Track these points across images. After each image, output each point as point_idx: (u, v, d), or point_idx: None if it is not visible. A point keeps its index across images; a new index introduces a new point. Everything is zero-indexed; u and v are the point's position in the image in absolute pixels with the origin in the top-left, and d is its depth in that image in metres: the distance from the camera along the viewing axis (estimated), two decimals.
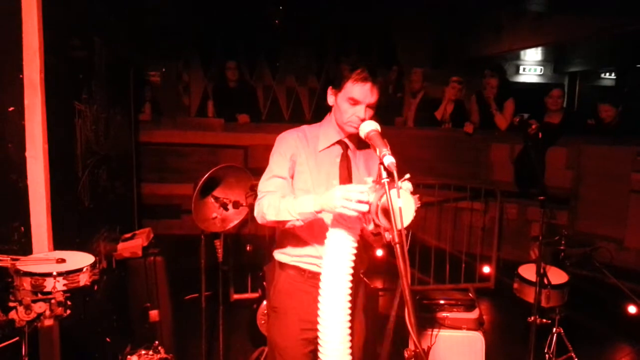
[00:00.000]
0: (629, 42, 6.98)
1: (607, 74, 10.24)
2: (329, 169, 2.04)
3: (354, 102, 1.93)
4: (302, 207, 1.83)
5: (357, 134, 1.89)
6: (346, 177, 2.04)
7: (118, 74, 4.22)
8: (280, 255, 2.16)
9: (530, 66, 10.02)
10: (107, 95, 3.79)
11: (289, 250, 2.11)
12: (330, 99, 2.02)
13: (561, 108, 5.07)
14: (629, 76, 8.16)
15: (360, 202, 1.63)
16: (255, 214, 1.98)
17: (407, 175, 1.62)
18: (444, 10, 6.91)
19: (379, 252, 4.55)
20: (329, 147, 2.05)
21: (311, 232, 2.01)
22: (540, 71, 10.11)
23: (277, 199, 1.90)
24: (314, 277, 1.99)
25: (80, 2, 3.25)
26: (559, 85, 5.96)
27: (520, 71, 10.04)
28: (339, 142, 2.05)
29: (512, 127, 5.26)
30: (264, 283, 3.44)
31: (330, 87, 2.01)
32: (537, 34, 6.80)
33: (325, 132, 2.06)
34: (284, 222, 1.89)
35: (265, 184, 2.01)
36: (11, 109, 2.58)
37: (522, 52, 9.13)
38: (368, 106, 1.93)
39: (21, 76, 2.60)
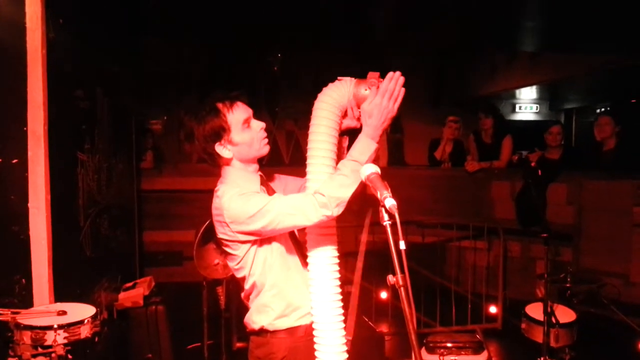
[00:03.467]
0: (623, 77, 7.10)
1: (603, 109, 10.38)
2: None
3: (246, 121, 1.88)
4: (364, 154, 1.75)
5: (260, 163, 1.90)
6: None
7: (120, 123, 4.29)
8: (274, 322, 1.91)
9: (526, 104, 10.17)
10: (109, 145, 3.84)
11: (280, 310, 1.90)
12: (226, 151, 1.86)
13: (560, 144, 5.11)
14: (624, 111, 8.27)
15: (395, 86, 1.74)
16: (329, 211, 1.73)
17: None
18: (439, 52, 7.07)
19: (384, 295, 4.49)
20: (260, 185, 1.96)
21: (293, 279, 1.91)
22: (537, 109, 10.24)
23: (334, 178, 1.76)
24: (309, 330, 1.88)
25: (82, 54, 3.34)
26: (557, 122, 6.03)
27: (517, 109, 10.17)
28: (261, 178, 1.98)
29: (512, 165, 5.29)
30: None
31: (217, 142, 1.85)
32: (532, 73, 6.93)
33: (246, 182, 1.90)
34: (355, 188, 1.74)
35: (291, 197, 1.83)
36: (15, 160, 2.62)
37: (517, 91, 9.28)
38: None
39: (25, 129, 2.65)
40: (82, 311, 2.14)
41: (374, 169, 1.71)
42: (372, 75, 1.78)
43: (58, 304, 2.29)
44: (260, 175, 1.97)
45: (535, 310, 3.23)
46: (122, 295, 3.43)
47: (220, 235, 1.89)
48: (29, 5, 2.68)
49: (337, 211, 1.74)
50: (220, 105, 1.85)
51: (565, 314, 3.18)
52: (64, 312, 2.05)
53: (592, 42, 5.54)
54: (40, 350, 1.93)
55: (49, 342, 1.93)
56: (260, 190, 1.92)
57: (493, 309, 4.65)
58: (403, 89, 1.76)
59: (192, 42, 6.54)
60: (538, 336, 3.07)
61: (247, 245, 1.86)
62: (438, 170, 5.79)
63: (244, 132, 1.86)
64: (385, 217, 1.54)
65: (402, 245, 1.49)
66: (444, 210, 5.46)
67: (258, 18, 5.43)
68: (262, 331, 1.92)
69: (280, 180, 2.11)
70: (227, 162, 1.89)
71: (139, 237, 4.95)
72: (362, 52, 6.58)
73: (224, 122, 1.83)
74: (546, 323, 2.91)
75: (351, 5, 5.10)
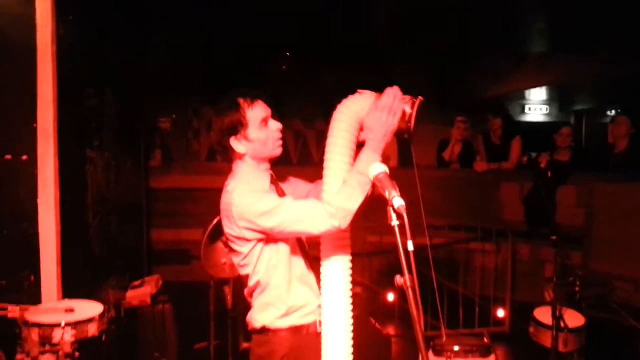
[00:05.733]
0: (633, 80, 7.03)
1: (613, 111, 10.29)
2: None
3: (265, 121, 1.90)
4: (365, 163, 1.73)
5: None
6: None
7: (129, 121, 4.31)
8: (276, 322, 1.90)
9: (536, 105, 10.10)
10: (118, 142, 3.86)
11: (291, 301, 1.90)
12: (241, 147, 1.89)
13: (570, 146, 5.07)
14: (635, 114, 8.18)
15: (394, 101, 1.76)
16: (337, 222, 1.73)
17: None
18: (446, 53, 7.03)
19: (391, 297, 4.47)
20: (271, 182, 1.97)
21: (311, 271, 1.96)
22: (547, 110, 10.17)
23: (342, 190, 1.76)
24: (312, 329, 1.91)
25: (92, 53, 3.35)
26: (567, 123, 5.98)
27: (526, 111, 10.10)
28: (272, 177, 1.99)
29: (522, 166, 5.25)
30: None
31: (233, 136, 1.88)
32: (541, 75, 6.89)
33: (257, 177, 1.92)
34: (362, 201, 1.74)
35: (301, 202, 1.83)
36: (24, 157, 2.63)
37: (527, 92, 9.22)
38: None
39: (35, 126, 2.66)
40: (90, 309, 2.14)
41: (383, 168, 1.70)
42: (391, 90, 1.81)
43: (66, 301, 2.30)
44: (271, 175, 1.98)
45: (543, 314, 3.20)
46: (129, 294, 3.44)
47: (226, 230, 1.91)
48: (39, 2, 2.69)
49: (344, 223, 1.75)
50: (241, 100, 1.89)
51: (574, 319, 3.15)
52: (71, 310, 2.06)
53: (600, 45, 5.50)
54: (48, 347, 1.93)
55: (56, 340, 1.94)
56: (271, 190, 1.93)
57: (501, 313, 4.62)
58: (407, 104, 1.79)
59: (198, 41, 6.55)
60: (546, 340, 3.04)
61: (253, 243, 1.86)
62: (447, 171, 5.76)
63: (260, 130, 1.89)
64: (394, 217, 1.53)
65: (411, 246, 1.48)
66: (453, 211, 5.43)
67: (264, 21, 5.44)
68: (264, 330, 1.92)
69: (291, 183, 2.12)
70: (240, 157, 1.92)
71: (147, 235, 4.96)
72: (367, 56, 6.57)
73: (242, 117, 1.87)
74: (555, 327, 2.88)
75: (354, 8, 5.10)
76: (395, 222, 1.51)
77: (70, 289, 2.58)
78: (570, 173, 4.94)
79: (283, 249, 1.89)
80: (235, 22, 5.61)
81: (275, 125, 1.94)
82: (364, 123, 1.82)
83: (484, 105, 6.52)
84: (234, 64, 6.84)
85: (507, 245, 4.88)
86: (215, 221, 3.00)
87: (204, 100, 7.11)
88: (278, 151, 1.96)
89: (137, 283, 3.57)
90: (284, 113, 7.33)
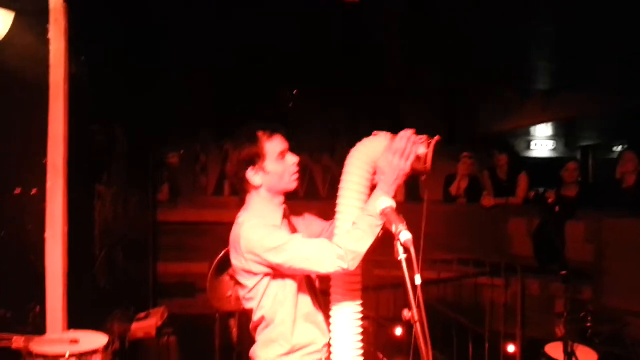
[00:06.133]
0: (638, 116, 7.07)
1: (620, 146, 10.30)
2: None
3: (282, 154, 1.92)
4: (375, 205, 1.70)
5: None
6: None
7: (137, 156, 4.36)
8: (281, 358, 1.88)
9: (542, 141, 10.12)
10: (127, 177, 3.90)
11: (295, 340, 1.88)
12: (257, 178, 1.90)
13: (577, 181, 5.06)
14: None
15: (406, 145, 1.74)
16: (345, 264, 1.72)
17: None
18: (452, 89, 7.12)
19: (399, 331, 4.40)
20: (282, 220, 1.95)
21: (319, 309, 1.93)
22: (553, 146, 10.19)
23: (352, 232, 1.75)
24: None
25: (103, 90, 3.43)
26: (573, 158, 5.98)
27: (532, 146, 10.13)
28: (285, 212, 1.99)
29: (529, 202, 5.24)
30: None
31: (250, 167, 1.89)
32: (545, 111, 6.93)
33: (269, 213, 1.92)
34: (369, 247, 1.73)
35: (311, 241, 1.82)
36: (34, 191, 2.66)
37: (532, 128, 9.26)
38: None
39: (45, 161, 2.70)
40: (94, 340, 2.12)
41: (390, 203, 1.71)
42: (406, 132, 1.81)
43: (71, 332, 2.29)
44: (285, 209, 1.99)
45: (555, 350, 3.13)
46: (135, 326, 3.41)
47: (234, 262, 1.91)
48: (53, 42, 2.78)
49: (352, 265, 1.74)
50: (260, 132, 1.91)
51: (586, 355, 3.08)
52: (76, 341, 2.04)
53: (605, 80, 5.55)
54: None
55: None
56: (282, 225, 1.93)
57: (511, 348, 4.52)
58: (422, 147, 1.78)
59: (207, 77, 6.67)
60: None
61: (259, 277, 1.85)
62: (454, 206, 5.75)
63: (277, 162, 1.91)
64: (401, 251, 1.53)
65: (418, 280, 1.48)
66: (460, 246, 5.39)
67: (273, 54, 5.55)
68: None
69: (305, 219, 2.13)
70: (256, 189, 1.93)
71: (153, 268, 4.95)
72: (375, 91, 6.66)
73: (260, 149, 1.89)
74: None
75: (364, 43, 5.19)
76: (402, 256, 1.52)
77: (76, 320, 2.57)
78: (577, 208, 4.91)
79: (290, 285, 1.87)
80: (243, 56, 5.73)
81: (292, 159, 1.94)
82: (377, 165, 1.82)
83: (490, 140, 6.55)
84: (242, 100, 6.95)
85: (516, 279, 4.82)
86: (222, 254, 3.00)
87: (212, 135, 7.21)
88: (293, 185, 1.96)
89: (142, 315, 3.55)
90: (291, 148, 7.40)
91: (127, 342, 3.37)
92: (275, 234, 1.81)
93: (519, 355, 4.48)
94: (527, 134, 9.82)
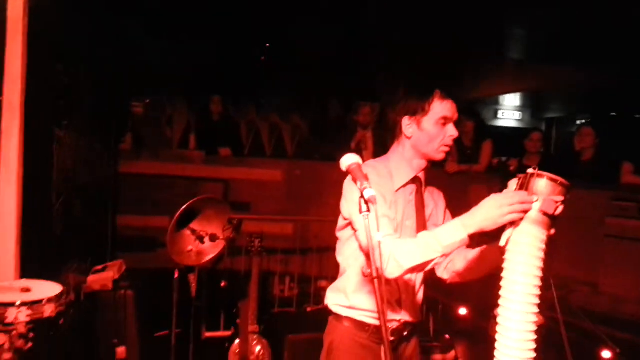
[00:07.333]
0: (604, 91, 7.23)
1: (583, 121, 10.56)
2: (404, 209, 1.92)
3: (445, 121, 1.86)
4: (447, 238, 1.59)
5: (427, 168, 1.92)
6: (422, 216, 1.95)
7: (101, 103, 4.21)
8: (338, 307, 1.97)
9: (509, 111, 10.28)
10: (89, 123, 3.76)
11: (354, 301, 1.92)
12: (410, 129, 1.88)
13: (539, 151, 5.16)
14: (604, 124, 8.43)
15: (523, 201, 1.52)
16: (385, 267, 1.62)
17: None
18: (426, 55, 7.09)
19: (463, 311, 4.46)
20: (404, 185, 1.92)
21: (388, 286, 1.87)
22: (519, 116, 10.36)
23: (406, 243, 1.69)
24: (379, 331, 1.83)
25: (66, 28, 3.25)
26: (538, 129, 6.09)
27: (499, 115, 10.28)
28: (414, 180, 1.94)
29: (491, 169, 5.33)
30: (238, 321, 3.36)
31: (408, 116, 1.87)
32: (517, 81, 7.01)
33: (398, 169, 1.91)
34: (425, 265, 1.65)
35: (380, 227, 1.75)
36: None
37: (500, 98, 9.39)
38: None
39: (0, 99, 2.57)
40: (47, 289, 2.08)
41: (355, 159, 1.70)
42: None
43: (23, 280, 2.23)
44: (420, 178, 1.96)
45: None
46: (91, 278, 3.36)
47: None
48: None
49: (390, 273, 1.65)
50: (437, 91, 1.87)
51: None
52: (28, 289, 2.00)
53: (575, 54, 5.63)
54: (0, 327, 1.87)
55: (10, 320, 1.87)
56: (401, 192, 1.91)
57: (463, 311, 4.69)
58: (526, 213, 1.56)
59: (179, 29, 6.46)
60: None
61: (346, 222, 1.90)
62: None
63: (436, 125, 1.86)
64: (364, 207, 1.53)
65: (380, 237, 1.50)
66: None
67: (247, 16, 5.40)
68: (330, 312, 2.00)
69: (439, 206, 2.10)
70: (403, 139, 1.92)
71: (112, 219, 4.86)
72: (347, 57, 6.57)
73: (428, 105, 1.85)
74: None
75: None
76: (364, 213, 1.52)
77: (29, 269, 2.51)
78: None
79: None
80: (218, 12, 5.55)
81: (452, 131, 1.87)
82: (489, 197, 1.61)
83: (459, 107, 6.59)
84: (213, 52, 6.77)
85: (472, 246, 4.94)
86: (184, 207, 2.96)
87: (181, 86, 7.02)
88: (439, 155, 1.89)
89: (99, 267, 3.50)
90: (261, 105, 7.29)
91: (83, 294, 3.33)
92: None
93: (470, 318, 4.66)
94: (496, 102, 9.95)
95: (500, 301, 1.61)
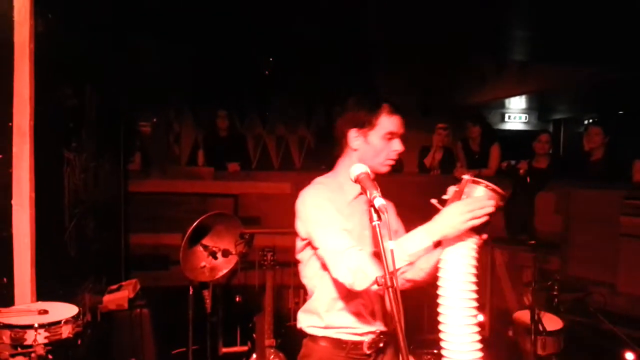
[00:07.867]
0: (611, 89, 7.18)
1: (591, 120, 10.49)
2: (360, 219, 1.91)
3: (392, 136, 1.87)
4: (413, 246, 1.63)
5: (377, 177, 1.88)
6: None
7: (108, 123, 4.25)
8: (313, 329, 1.95)
9: (515, 114, 10.25)
10: (97, 144, 3.80)
11: (328, 320, 1.91)
12: (356, 142, 1.89)
13: (548, 153, 5.14)
14: (612, 122, 8.37)
15: (483, 206, 1.58)
16: (351, 280, 1.67)
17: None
18: (429, 60, 7.10)
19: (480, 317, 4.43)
20: (356, 197, 1.92)
21: (360, 299, 1.90)
22: (525, 119, 10.32)
23: (364, 255, 1.70)
24: (356, 347, 1.89)
25: (72, 51, 3.29)
26: (546, 130, 6.07)
27: (506, 119, 10.25)
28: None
29: (501, 173, 5.31)
30: (254, 335, 3.35)
31: (355, 128, 1.88)
32: (520, 83, 6.98)
33: (348, 182, 1.84)
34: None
35: (340, 240, 1.74)
36: None
37: (506, 101, 9.36)
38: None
39: (10, 124, 2.60)
40: (64, 311, 2.09)
41: (364, 169, 1.71)
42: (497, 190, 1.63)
43: (39, 303, 2.24)
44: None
45: (523, 318, 3.23)
46: (106, 298, 3.37)
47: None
48: None
49: (359, 285, 1.67)
50: (385, 105, 1.89)
51: (552, 322, 3.18)
52: (45, 311, 2.00)
53: (580, 54, 5.60)
54: (19, 350, 1.88)
55: (29, 342, 1.88)
56: (353, 203, 1.92)
57: (480, 317, 4.64)
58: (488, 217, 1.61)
59: (183, 43, 6.50)
60: (525, 344, 3.07)
61: (305, 242, 1.89)
62: (428, 177, 5.80)
63: (382, 139, 1.88)
64: (375, 217, 1.53)
65: (391, 245, 1.49)
66: (432, 216, 5.45)
67: (249, 25, 5.44)
68: (304, 334, 1.98)
69: (389, 212, 2.07)
70: (349, 151, 1.93)
71: (125, 239, 4.88)
72: (351, 61, 6.59)
73: (375, 118, 1.87)
74: (533, 330, 2.91)
75: (340, 13, 5.11)
76: (375, 222, 1.52)
77: (45, 291, 2.52)
78: (548, 180, 5.01)
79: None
80: (221, 26, 5.59)
81: (397, 146, 1.89)
82: (446, 205, 1.66)
83: (466, 112, 6.58)
84: (217, 67, 6.81)
85: (486, 250, 4.91)
86: (195, 224, 2.97)
87: (187, 103, 7.08)
88: (384, 169, 1.91)
89: (114, 287, 3.51)
90: (267, 118, 7.33)
91: (99, 313, 3.34)
92: (322, 210, 1.81)
93: (488, 323, 4.61)
94: (501, 106, 9.92)
95: (439, 309, 1.67)
